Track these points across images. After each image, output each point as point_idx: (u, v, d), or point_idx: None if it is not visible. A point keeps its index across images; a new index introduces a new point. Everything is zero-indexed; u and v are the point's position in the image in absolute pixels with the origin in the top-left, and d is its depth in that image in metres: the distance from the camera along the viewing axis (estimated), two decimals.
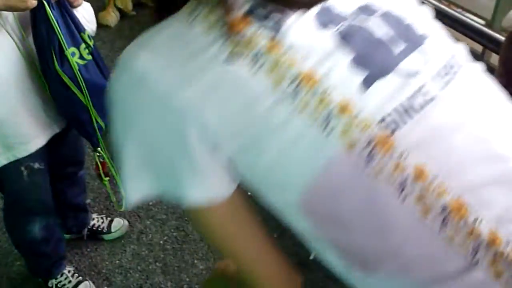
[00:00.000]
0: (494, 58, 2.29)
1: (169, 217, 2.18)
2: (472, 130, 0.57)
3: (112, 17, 3.65)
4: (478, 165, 0.56)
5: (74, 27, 1.47)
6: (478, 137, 0.57)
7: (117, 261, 2.01)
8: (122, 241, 2.08)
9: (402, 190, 0.53)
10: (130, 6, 3.78)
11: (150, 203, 2.24)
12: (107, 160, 1.73)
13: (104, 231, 2.07)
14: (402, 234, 0.55)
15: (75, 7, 1.50)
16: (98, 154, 1.70)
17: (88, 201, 2.25)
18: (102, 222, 2.08)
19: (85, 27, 1.53)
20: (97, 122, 1.59)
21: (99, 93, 1.50)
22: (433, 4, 2.30)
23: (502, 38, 2.03)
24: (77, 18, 1.49)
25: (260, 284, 0.66)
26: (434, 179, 0.54)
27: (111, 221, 2.10)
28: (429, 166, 0.54)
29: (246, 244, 0.66)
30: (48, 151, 1.61)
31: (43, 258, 1.82)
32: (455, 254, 0.54)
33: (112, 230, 2.08)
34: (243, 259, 0.67)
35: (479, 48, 2.25)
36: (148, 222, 2.17)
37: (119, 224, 2.10)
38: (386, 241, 0.56)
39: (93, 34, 1.61)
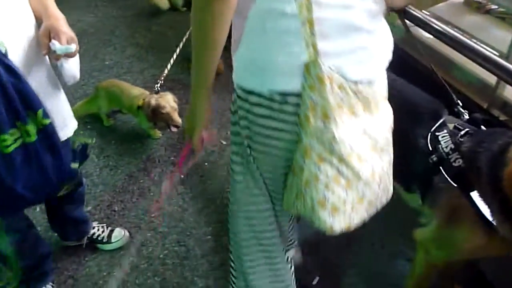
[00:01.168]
0: (508, 90, 2.28)
1: (171, 231, 2.14)
2: None
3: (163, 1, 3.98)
4: None
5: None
6: None
7: (114, 273, 1.96)
8: (121, 252, 2.04)
9: None
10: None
11: (152, 215, 2.21)
12: None
13: (104, 241, 2.03)
14: None
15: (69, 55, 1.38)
16: None
17: (88, 208, 2.22)
18: (103, 232, 2.04)
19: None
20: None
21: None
22: (449, 34, 2.30)
23: None
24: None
25: None
26: None
27: (111, 231, 2.05)
28: None
29: None
30: None
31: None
32: None
33: (112, 240, 2.03)
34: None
35: (493, 79, 2.24)
36: (149, 234, 2.13)
37: (119, 235, 2.05)
38: None
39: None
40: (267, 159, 1.18)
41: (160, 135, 2.67)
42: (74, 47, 1.38)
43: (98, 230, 2.04)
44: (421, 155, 1.49)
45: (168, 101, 2.44)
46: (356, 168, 1.07)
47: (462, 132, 1.42)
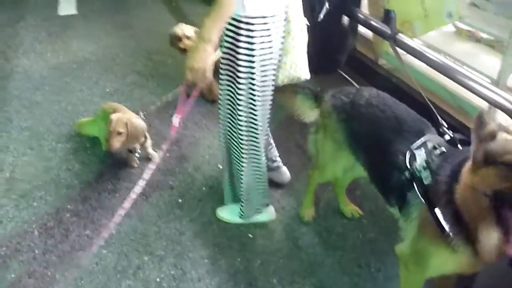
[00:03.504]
0: (499, 115, 2.33)
1: (168, 254, 2.15)
2: None
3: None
4: None
5: None
6: None
7: None
8: (118, 275, 2.04)
9: None
10: None
11: (151, 239, 2.22)
12: None
13: None
14: None
15: None
16: None
17: (87, 231, 2.23)
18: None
19: None
20: None
21: None
22: (440, 61, 2.37)
23: (508, 96, 2.07)
24: None
25: None
26: None
27: None
28: None
29: None
30: None
31: None
32: None
33: None
34: None
35: (484, 105, 2.30)
36: (146, 258, 2.14)
37: None
38: None
39: None
40: None
41: (137, 164, 2.70)
42: None
43: None
44: (398, 170, 1.55)
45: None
46: None
47: (438, 151, 1.48)
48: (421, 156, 1.50)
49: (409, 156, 1.53)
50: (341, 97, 1.89)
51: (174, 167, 2.67)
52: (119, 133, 2.39)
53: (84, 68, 3.80)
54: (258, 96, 1.83)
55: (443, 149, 1.48)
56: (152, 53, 4.02)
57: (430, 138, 1.55)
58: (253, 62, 1.74)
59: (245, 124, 1.92)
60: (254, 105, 1.86)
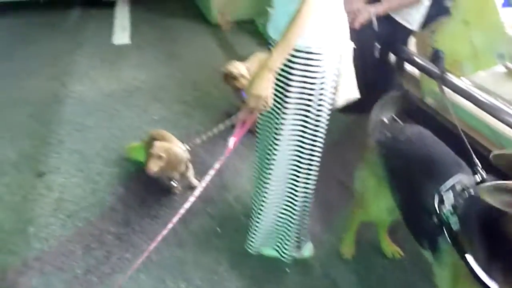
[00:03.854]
0: None
1: (204, 283, 2.17)
2: None
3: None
4: None
5: None
6: None
7: None
8: None
9: None
10: None
11: (188, 266, 2.24)
12: None
13: None
14: None
15: None
16: None
17: (127, 255, 2.28)
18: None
19: None
20: None
21: None
22: (488, 101, 2.31)
23: None
24: None
25: None
26: None
27: None
28: None
29: None
30: None
31: None
32: None
33: None
34: None
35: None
36: (182, 285, 2.15)
37: None
38: None
39: None
40: None
41: (179, 191, 2.74)
42: None
43: None
44: (428, 214, 1.51)
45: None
46: None
47: (466, 194, 1.43)
48: (449, 199, 1.46)
49: (437, 199, 1.49)
50: (384, 132, 1.90)
51: (215, 196, 2.71)
52: (159, 157, 2.45)
53: (134, 95, 3.96)
54: (311, 124, 1.85)
55: (471, 191, 1.43)
56: (199, 84, 4.14)
57: (460, 180, 1.51)
58: (311, 92, 1.77)
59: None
60: (303, 136, 1.88)
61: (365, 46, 2.73)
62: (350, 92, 1.96)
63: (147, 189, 2.78)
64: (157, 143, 2.49)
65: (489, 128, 2.58)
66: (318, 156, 1.95)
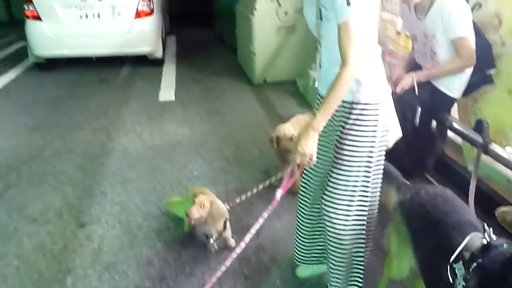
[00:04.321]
0: None
1: None
2: None
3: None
4: None
5: None
6: None
7: None
8: None
9: None
10: None
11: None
12: None
13: None
14: None
15: None
16: None
17: None
18: None
19: None
20: None
21: None
22: None
23: None
24: None
25: None
26: None
27: None
28: None
29: None
30: None
31: None
32: None
33: None
34: None
35: None
36: None
37: None
38: None
39: None
40: None
41: (214, 249, 2.73)
42: None
43: None
44: (445, 283, 1.47)
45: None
46: None
47: (474, 265, 1.39)
48: (460, 270, 1.43)
49: (449, 270, 1.46)
50: (407, 193, 1.93)
51: (251, 257, 2.68)
52: (202, 206, 2.49)
53: (176, 150, 4.07)
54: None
55: (480, 260, 1.39)
56: (240, 141, 4.23)
57: (468, 245, 1.47)
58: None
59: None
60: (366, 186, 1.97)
61: (406, 111, 2.75)
62: (397, 132, 2.10)
63: (183, 244, 2.79)
64: (202, 195, 2.55)
65: None
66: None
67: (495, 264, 1.35)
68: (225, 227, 2.66)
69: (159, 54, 6.88)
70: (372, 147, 1.90)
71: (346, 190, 1.95)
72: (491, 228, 1.51)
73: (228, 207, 2.70)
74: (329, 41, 1.80)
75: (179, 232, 2.89)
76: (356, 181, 1.93)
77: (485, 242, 1.45)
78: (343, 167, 1.92)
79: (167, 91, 5.82)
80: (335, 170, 1.94)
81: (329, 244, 2.08)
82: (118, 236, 2.87)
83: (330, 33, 1.75)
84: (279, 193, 1.95)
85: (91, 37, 6.26)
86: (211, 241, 2.66)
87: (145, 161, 3.88)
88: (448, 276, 1.46)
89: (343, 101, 1.82)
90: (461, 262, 1.45)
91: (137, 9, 6.34)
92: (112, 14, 6.26)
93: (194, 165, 3.80)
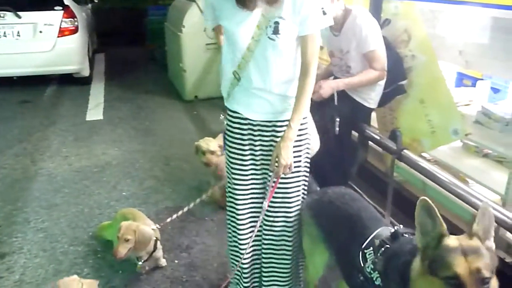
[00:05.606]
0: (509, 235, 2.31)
1: None
2: None
3: None
4: None
5: None
6: None
7: None
8: None
9: None
10: None
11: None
12: None
13: None
14: None
15: None
16: None
17: None
18: None
19: None
20: None
21: None
22: (445, 178, 2.41)
23: None
24: None
25: None
26: None
27: None
28: None
29: None
30: None
31: None
32: None
33: None
34: None
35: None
36: None
37: None
38: None
39: None
40: None
41: (145, 271, 2.68)
42: None
43: None
44: (357, 271, 1.60)
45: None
46: None
47: (383, 249, 1.52)
48: (370, 255, 1.55)
49: (361, 256, 1.58)
50: (313, 196, 2.09)
51: (182, 275, 2.65)
52: (127, 240, 2.42)
53: (104, 171, 3.96)
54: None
55: (387, 245, 1.52)
56: (170, 159, 4.19)
57: (378, 234, 1.61)
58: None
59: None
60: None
61: (327, 123, 2.85)
62: (316, 143, 2.25)
63: (112, 268, 2.71)
64: (124, 225, 2.46)
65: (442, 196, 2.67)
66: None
67: (400, 248, 1.47)
68: (155, 247, 2.61)
69: (85, 72, 6.70)
70: (305, 158, 2.03)
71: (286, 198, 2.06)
72: (401, 226, 1.65)
73: (158, 227, 2.66)
74: (276, 57, 1.77)
75: (107, 256, 2.80)
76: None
77: (393, 231, 1.59)
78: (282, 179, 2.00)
79: (95, 111, 5.66)
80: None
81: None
82: (42, 265, 2.74)
83: (283, 48, 1.76)
84: (265, 203, 1.99)
85: (11, 56, 5.99)
86: (140, 263, 2.60)
87: (71, 184, 3.74)
88: (360, 261, 1.58)
89: (280, 120, 1.93)
90: (371, 248, 1.58)
91: (60, 26, 6.14)
92: (34, 32, 6.03)
93: (124, 185, 3.71)
